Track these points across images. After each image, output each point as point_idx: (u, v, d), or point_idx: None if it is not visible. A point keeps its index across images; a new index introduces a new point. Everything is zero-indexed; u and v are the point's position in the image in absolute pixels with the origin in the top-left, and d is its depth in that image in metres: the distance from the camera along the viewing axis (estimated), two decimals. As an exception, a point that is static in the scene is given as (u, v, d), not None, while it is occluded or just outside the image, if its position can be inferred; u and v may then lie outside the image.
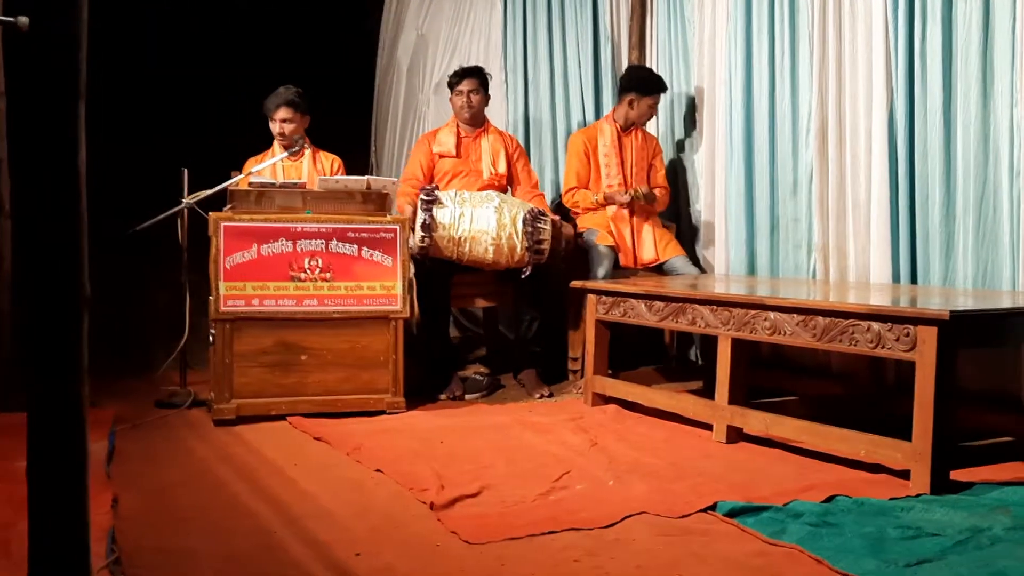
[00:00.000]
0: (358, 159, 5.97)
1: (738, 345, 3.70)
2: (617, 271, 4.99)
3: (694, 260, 5.21)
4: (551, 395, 4.72)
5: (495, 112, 6.02)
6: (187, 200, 4.40)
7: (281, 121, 4.89)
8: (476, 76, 5.05)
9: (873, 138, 4.13)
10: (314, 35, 6.83)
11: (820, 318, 3.31)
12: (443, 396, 4.63)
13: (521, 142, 5.91)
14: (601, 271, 4.87)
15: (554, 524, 2.63)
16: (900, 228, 4.04)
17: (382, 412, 4.24)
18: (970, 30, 3.74)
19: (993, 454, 3.16)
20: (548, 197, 5.69)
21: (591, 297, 4.46)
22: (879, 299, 3.47)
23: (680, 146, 5.49)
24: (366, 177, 4.42)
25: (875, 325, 3.11)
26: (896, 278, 4.06)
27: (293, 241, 4.16)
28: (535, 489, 2.99)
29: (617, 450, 3.56)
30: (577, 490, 3.01)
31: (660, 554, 2.44)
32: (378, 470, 3.24)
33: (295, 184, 4.34)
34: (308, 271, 4.17)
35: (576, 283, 4.56)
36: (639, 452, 3.52)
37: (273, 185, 4.28)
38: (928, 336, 2.93)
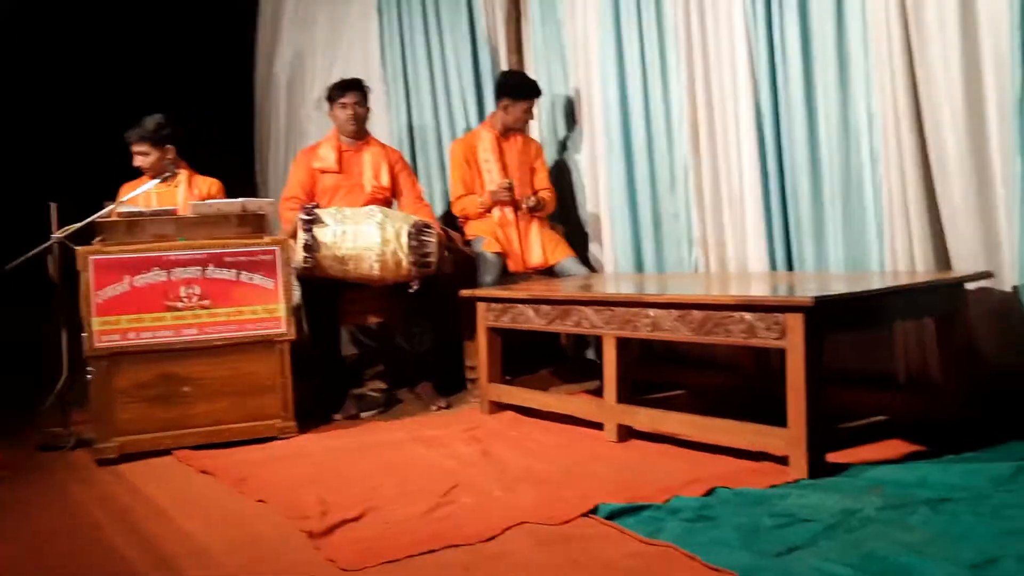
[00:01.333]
0: (244, 179, 5.84)
1: (623, 344, 3.71)
2: (507, 277, 4.97)
3: (584, 260, 5.22)
4: (448, 406, 4.69)
5: (378, 123, 5.96)
6: (57, 235, 4.25)
7: (137, 154, 4.82)
8: (358, 89, 4.99)
9: (742, 131, 4.18)
10: (188, 54, 6.69)
11: (696, 312, 3.33)
12: (338, 416, 4.55)
13: (406, 152, 5.88)
14: (489, 278, 4.85)
15: (435, 542, 2.59)
16: (773, 218, 4.10)
17: (273, 438, 4.15)
18: (824, 21, 3.81)
19: (869, 434, 3.21)
20: (439, 206, 5.67)
21: (480, 305, 4.44)
22: (753, 289, 3.51)
23: (563, 147, 5.51)
24: (240, 200, 4.33)
25: (747, 315, 3.14)
26: (773, 266, 4.12)
27: (167, 270, 4.04)
28: (421, 506, 2.95)
29: (509, 458, 3.54)
30: (464, 504, 2.98)
31: (539, 564, 2.42)
32: (261, 500, 3.17)
33: (166, 211, 4.22)
34: (185, 299, 4.06)
35: (465, 292, 4.52)
36: (531, 458, 3.50)
37: (143, 214, 4.16)
38: (795, 323, 2.96)
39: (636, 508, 2.72)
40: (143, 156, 4.83)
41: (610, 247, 4.99)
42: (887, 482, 2.82)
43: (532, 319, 4.12)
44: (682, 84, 4.47)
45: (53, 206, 4.31)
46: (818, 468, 2.96)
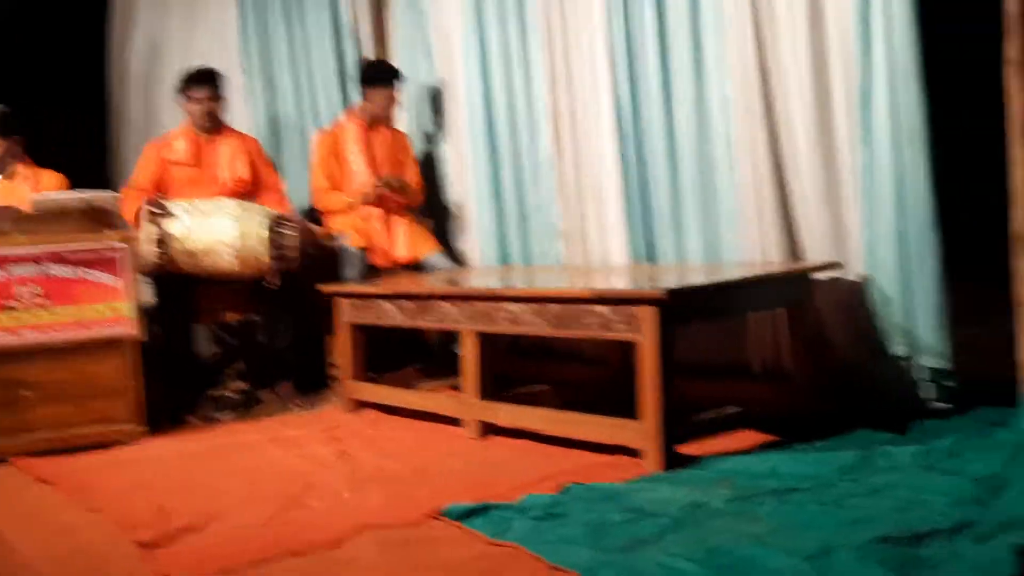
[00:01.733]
0: (95, 174, 5.54)
1: (483, 338, 3.64)
2: (371, 272, 4.86)
3: (452, 255, 5.14)
4: (310, 405, 4.55)
5: (237, 115, 5.75)
6: None
7: None
8: (210, 82, 4.79)
9: (602, 122, 4.16)
10: (33, 44, 6.35)
11: (554, 306, 3.29)
12: (192, 419, 4.37)
13: (267, 145, 5.68)
14: (353, 273, 4.73)
15: (276, 549, 2.48)
16: (634, 209, 4.09)
17: (122, 443, 3.95)
18: (679, 10, 3.81)
19: (722, 425, 3.22)
20: (303, 200, 5.49)
21: (341, 301, 4.33)
22: (612, 282, 3.49)
23: (430, 139, 5.41)
24: (84, 194, 4.11)
25: (602, 309, 3.11)
26: (636, 258, 4.10)
27: (3, 268, 3.81)
28: (267, 512, 2.83)
29: (364, 458, 3.44)
30: (312, 508, 2.88)
31: (382, 569, 2.34)
32: (94, 510, 3.00)
33: (4, 207, 3.98)
34: (23, 299, 3.84)
35: (326, 287, 4.40)
36: (387, 458, 3.41)
37: (-26, 209, 3.92)
38: (648, 315, 2.95)
39: (485, 508, 2.65)
40: None
41: (476, 241, 4.92)
42: (738, 473, 2.83)
43: (393, 315, 4.03)
44: (544, 76, 4.43)
45: None
46: (671, 461, 2.96)
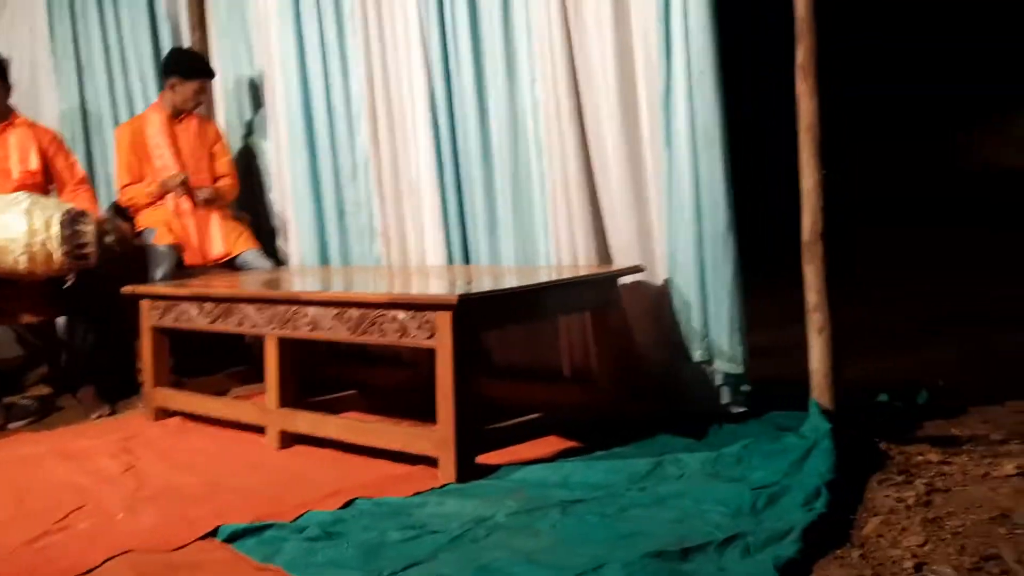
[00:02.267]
0: None
1: (285, 344, 3.49)
2: (183, 271, 4.62)
3: (272, 253, 4.94)
4: (113, 412, 4.30)
5: (46, 102, 5.43)
6: None
7: None
8: None
9: (418, 120, 4.05)
10: None
11: (354, 310, 3.16)
12: (-23, 428, 4.08)
13: (79, 135, 5.38)
14: (160, 272, 4.49)
15: (22, 579, 2.29)
16: (449, 210, 3.99)
17: None
18: (492, 6, 3.72)
19: (524, 432, 3.13)
20: (112, 194, 5.21)
21: (144, 303, 4.10)
22: (415, 285, 3.39)
23: (249, 132, 5.20)
24: None
25: (400, 314, 3.00)
26: (450, 259, 4.01)
27: None
28: (26, 535, 2.62)
29: (154, 472, 3.24)
30: (77, 530, 2.68)
31: (133, 600, 2.17)
32: None
33: None
34: None
35: (127, 288, 4.16)
36: (178, 472, 3.23)
37: None
38: (443, 321, 2.85)
39: (260, 528, 2.51)
40: None
41: (295, 239, 4.73)
42: (531, 483, 2.76)
43: (195, 318, 3.83)
44: (362, 71, 4.28)
45: None
46: (467, 471, 2.87)
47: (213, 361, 4.71)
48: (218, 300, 3.71)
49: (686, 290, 3.27)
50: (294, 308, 3.37)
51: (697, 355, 3.27)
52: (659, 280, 3.41)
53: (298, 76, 4.60)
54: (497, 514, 2.48)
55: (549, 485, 2.72)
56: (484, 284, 3.31)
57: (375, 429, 3.15)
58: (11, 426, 4.15)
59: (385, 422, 3.37)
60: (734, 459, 2.72)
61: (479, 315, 2.91)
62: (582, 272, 3.38)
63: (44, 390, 4.80)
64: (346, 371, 4.29)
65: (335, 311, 3.21)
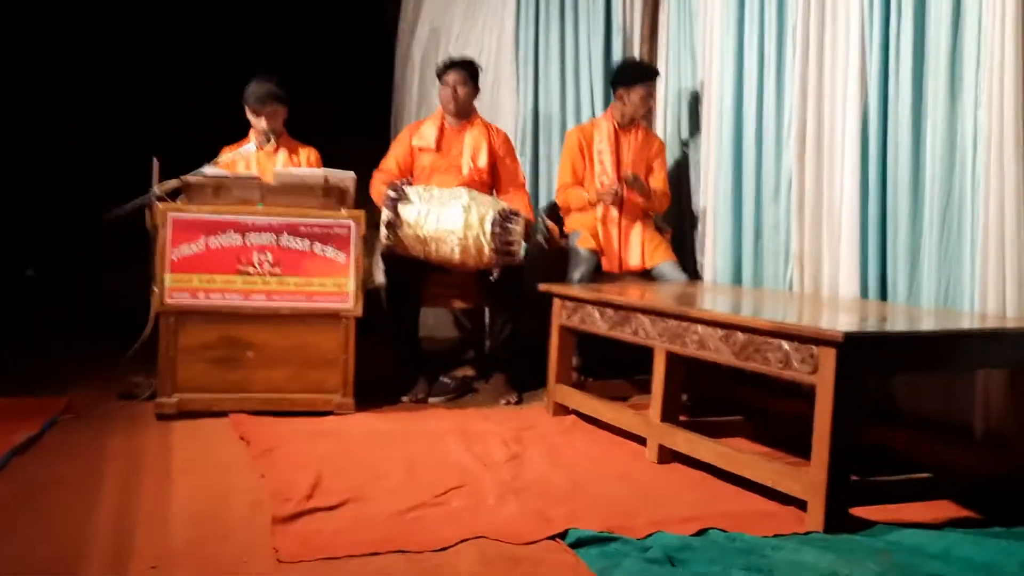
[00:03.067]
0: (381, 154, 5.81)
1: (673, 358, 3.46)
2: (599, 276, 4.76)
3: (690, 267, 4.93)
4: (519, 401, 4.55)
5: (505, 106, 5.85)
6: (155, 189, 4.36)
7: (264, 115, 4.80)
8: (464, 68, 4.89)
9: (847, 141, 3.81)
10: (333, 25, 6.79)
11: (739, 334, 3.05)
12: (406, 398, 4.49)
13: (529, 138, 5.74)
14: (577, 274, 4.66)
15: (383, 545, 2.48)
16: (869, 239, 3.71)
17: (330, 413, 4.13)
18: (940, 21, 3.40)
19: (910, 491, 2.84)
20: (551, 196, 5.50)
21: (556, 301, 4.27)
22: (806, 315, 3.18)
23: (684, 144, 5.22)
24: (323, 170, 4.32)
25: (784, 344, 2.84)
26: (865, 292, 3.73)
27: (242, 234, 4.08)
28: (404, 504, 2.83)
29: (533, 465, 3.37)
30: (448, 508, 2.85)
31: (470, 584, 2.26)
32: (263, 476, 3.13)
33: (250, 176, 4.26)
34: (257, 265, 4.09)
35: (544, 286, 4.35)
36: (554, 468, 3.32)
37: (227, 177, 4.21)
38: (827, 358, 2.65)
39: (607, 539, 2.51)
40: (271, 117, 4.82)
41: (711, 255, 4.69)
42: (903, 548, 2.49)
43: (597, 322, 3.92)
44: (795, 86, 4.12)
45: (155, 161, 4.42)
46: (836, 521, 2.65)
47: (622, 364, 4.80)
48: (617, 307, 3.76)
49: None
50: (684, 324, 3.33)
51: None
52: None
53: (733, 89, 4.54)
54: (854, 574, 2.26)
55: (923, 554, 2.43)
56: (897, 324, 3.05)
57: (746, 460, 3.01)
58: (431, 400, 4.52)
59: (760, 454, 3.22)
60: None
61: (869, 356, 2.68)
62: (1009, 324, 2.98)
63: (468, 371, 5.19)
64: (741, 393, 4.17)
65: (721, 332, 3.12)
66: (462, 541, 2.50)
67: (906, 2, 3.54)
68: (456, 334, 5.84)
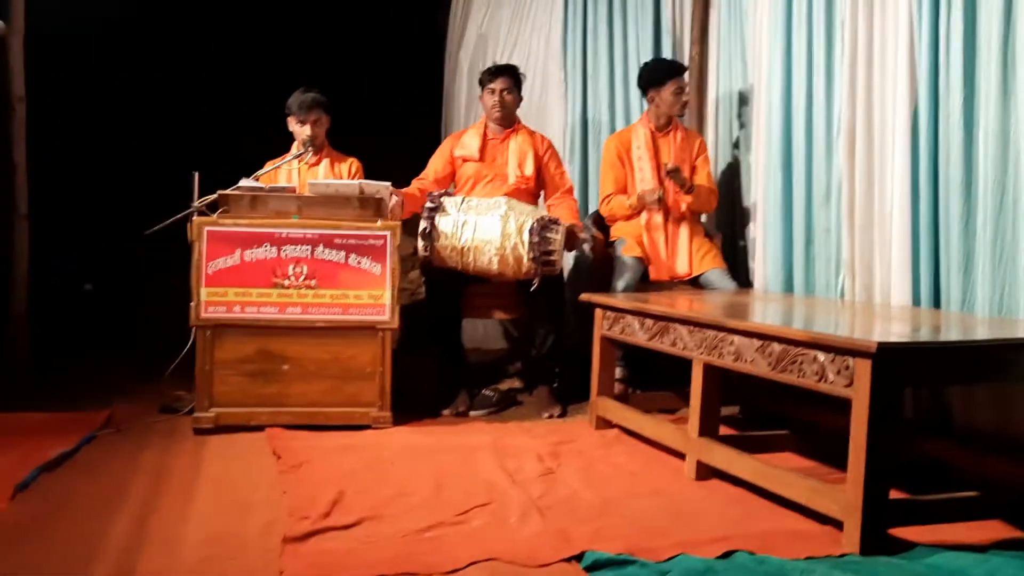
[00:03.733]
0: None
1: (711, 370, 3.32)
2: (645, 284, 4.63)
3: (741, 274, 4.77)
4: (563, 414, 4.44)
5: (553, 113, 5.77)
6: (196, 203, 4.35)
7: (309, 123, 4.78)
8: (509, 75, 4.81)
9: (897, 142, 3.63)
10: (383, 34, 6.78)
11: (775, 345, 2.90)
12: (446, 412, 4.41)
13: (577, 144, 5.65)
14: (622, 283, 4.52)
15: (392, 567, 2.40)
16: (921, 245, 3.52)
17: (367, 427, 4.07)
18: (991, 15, 3.21)
19: (955, 510, 2.66)
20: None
21: (598, 311, 4.15)
22: (843, 326, 3.02)
23: (735, 147, 5.05)
24: (358, 182, 4.27)
25: (820, 355, 2.69)
26: (917, 300, 3.54)
27: (278, 247, 4.05)
28: (423, 522, 2.76)
29: (565, 481, 3.26)
30: (471, 526, 2.76)
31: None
32: (285, 491, 3.08)
33: (284, 188, 4.23)
34: (292, 278, 4.06)
35: (584, 296, 4.24)
36: (586, 484, 3.21)
37: (262, 189, 4.19)
38: (862, 370, 2.50)
39: (624, 562, 2.39)
40: (314, 124, 4.80)
41: (761, 262, 4.51)
42: (944, 571, 2.33)
43: (636, 332, 3.80)
44: (844, 87, 3.94)
45: (195, 175, 4.41)
46: (874, 543, 2.49)
47: (670, 375, 4.66)
48: (656, 317, 3.63)
49: None
50: (720, 335, 3.19)
51: None
52: None
53: (782, 89, 4.38)
54: (883, 604, 2.11)
55: (964, 580, 2.27)
56: (946, 333, 2.88)
57: (781, 477, 2.86)
58: (472, 414, 4.43)
59: (803, 470, 3.05)
60: None
61: (907, 368, 2.52)
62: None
63: (515, 383, 5.10)
64: (792, 406, 3.99)
65: (758, 343, 2.98)
66: (472, 564, 2.41)
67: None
68: (505, 345, 5.76)
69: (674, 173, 4.60)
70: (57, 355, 5.48)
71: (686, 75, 4.81)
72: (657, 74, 4.73)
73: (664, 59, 4.92)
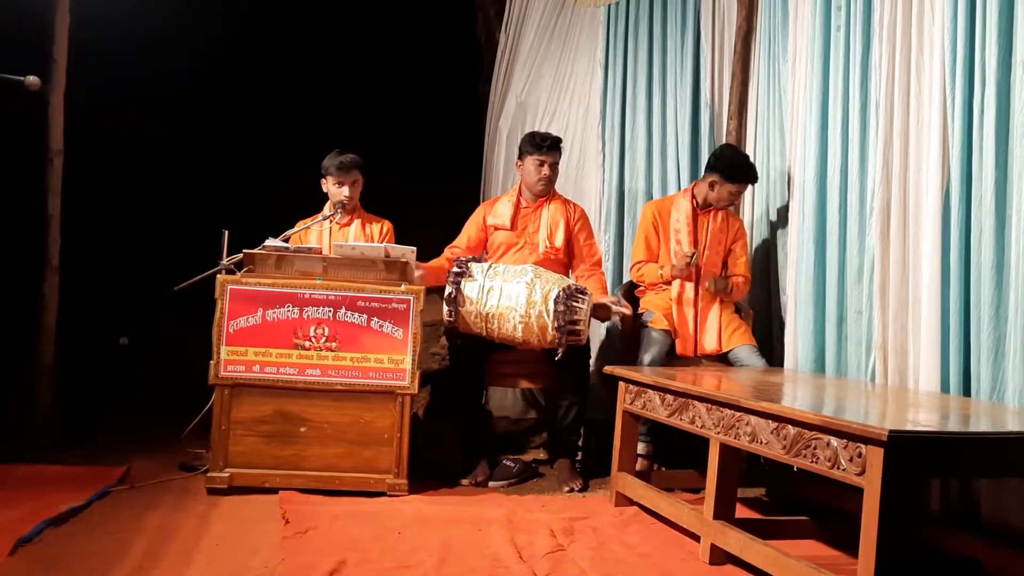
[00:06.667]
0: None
1: (727, 450, 3.22)
2: (673, 359, 4.54)
3: (777, 352, 4.66)
4: (584, 489, 4.33)
5: (590, 181, 5.75)
6: (224, 262, 4.38)
7: (346, 184, 4.80)
8: (559, 149, 4.78)
9: (926, 223, 3.54)
10: (424, 99, 6.84)
11: (790, 427, 2.80)
12: (465, 481, 4.34)
13: (614, 213, 5.60)
14: (648, 357, 4.44)
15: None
16: (951, 327, 3.40)
17: (382, 493, 4.01)
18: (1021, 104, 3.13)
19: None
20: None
21: (621, 385, 4.07)
22: (852, 411, 2.90)
23: (772, 225, 4.97)
24: (383, 245, 4.27)
25: (833, 441, 2.59)
26: (946, 386, 3.42)
27: (300, 308, 4.05)
28: (419, 600, 2.67)
29: (575, 561, 3.16)
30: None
31: None
32: (282, 560, 3.02)
33: (311, 249, 4.24)
34: (313, 339, 4.04)
35: (608, 368, 4.16)
36: (595, 567, 3.10)
37: (287, 249, 4.20)
38: (875, 458, 2.39)
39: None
40: (352, 185, 4.83)
41: (792, 341, 4.40)
42: None
43: (657, 408, 3.71)
44: (878, 165, 3.87)
45: (225, 233, 4.44)
46: (885, 642, 2.36)
47: (694, 452, 4.55)
48: (676, 394, 3.54)
49: None
50: (737, 414, 3.09)
51: None
52: None
53: (816, 168, 4.31)
54: None
55: None
56: (974, 423, 2.76)
57: (792, 566, 2.73)
58: (491, 484, 4.35)
59: (821, 559, 2.92)
60: None
61: (921, 457, 2.40)
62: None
63: (539, 454, 5.01)
64: (816, 490, 3.86)
65: (773, 425, 2.88)
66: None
67: (989, 81, 3.29)
68: (533, 414, 5.67)
69: (715, 287, 4.57)
70: (84, 407, 5.51)
71: (751, 187, 4.75)
72: (731, 171, 4.58)
73: (744, 158, 4.72)
